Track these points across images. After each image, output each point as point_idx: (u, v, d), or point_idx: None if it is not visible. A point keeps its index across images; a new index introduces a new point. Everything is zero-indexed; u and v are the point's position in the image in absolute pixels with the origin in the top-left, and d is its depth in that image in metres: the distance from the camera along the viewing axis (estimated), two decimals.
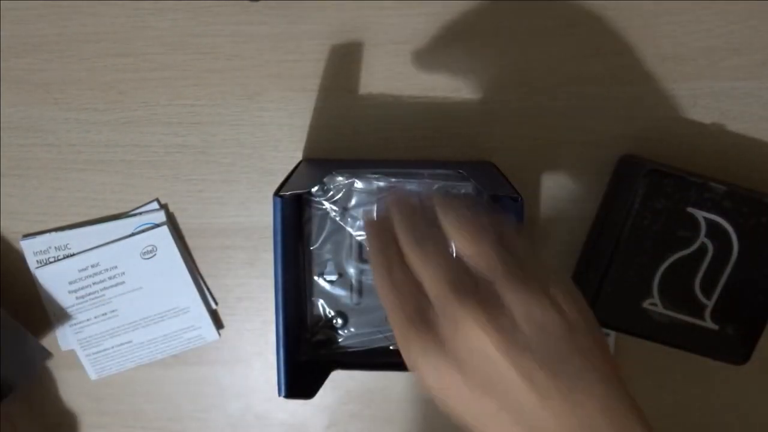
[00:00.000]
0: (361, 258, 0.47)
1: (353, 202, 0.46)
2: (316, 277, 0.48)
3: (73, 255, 0.51)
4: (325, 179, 0.45)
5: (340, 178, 0.46)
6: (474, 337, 0.27)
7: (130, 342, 0.52)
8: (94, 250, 0.51)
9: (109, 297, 0.51)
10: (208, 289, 0.52)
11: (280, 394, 0.43)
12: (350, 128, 0.50)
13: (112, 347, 0.52)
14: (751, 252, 0.43)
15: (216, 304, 0.53)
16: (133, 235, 0.51)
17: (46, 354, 0.52)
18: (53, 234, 0.51)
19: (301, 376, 0.44)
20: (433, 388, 0.28)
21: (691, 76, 0.49)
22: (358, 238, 0.46)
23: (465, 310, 0.27)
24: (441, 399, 0.28)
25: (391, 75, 0.49)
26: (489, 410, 0.27)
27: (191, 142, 0.50)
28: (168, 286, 0.51)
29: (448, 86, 0.49)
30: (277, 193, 0.40)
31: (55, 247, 0.51)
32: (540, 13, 0.48)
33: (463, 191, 0.45)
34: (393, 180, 0.45)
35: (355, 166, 0.49)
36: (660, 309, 0.44)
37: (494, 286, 0.28)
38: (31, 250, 0.51)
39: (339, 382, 0.53)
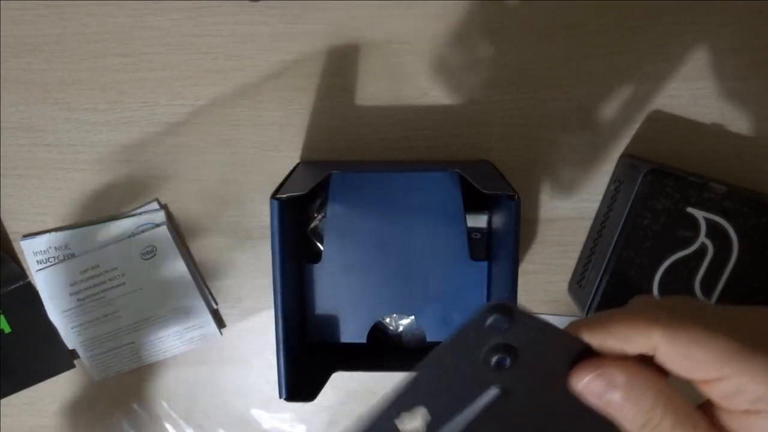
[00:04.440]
0: None
1: None
2: None
3: (73, 256, 0.51)
4: None
5: None
6: None
7: (132, 343, 0.52)
8: (94, 252, 0.51)
9: (110, 298, 0.51)
10: (208, 289, 0.52)
11: (281, 397, 0.43)
12: (349, 128, 0.50)
13: (115, 348, 0.52)
14: (751, 252, 0.43)
15: (216, 304, 0.53)
16: (133, 235, 0.51)
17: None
18: (53, 234, 0.51)
19: (302, 379, 0.44)
20: None
21: (691, 76, 0.49)
22: None
23: None
24: None
25: (391, 75, 0.49)
26: None
27: (191, 142, 0.50)
28: (169, 286, 0.51)
29: (447, 86, 0.49)
30: (274, 196, 0.40)
31: (55, 248, 0.51)
32: (540, 13, 0.48)
33: None
34: None
35: (352, 167, 0.49)
36: None
37: None
38: (31, 250, 0.51)
39: (339, 382, 0.53)
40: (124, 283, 0.51)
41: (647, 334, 0.22)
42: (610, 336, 0.23)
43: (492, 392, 0.25)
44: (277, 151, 0.51)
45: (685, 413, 0.23)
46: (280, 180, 0.44)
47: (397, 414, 0.25)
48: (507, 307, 0.24)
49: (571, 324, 0.24)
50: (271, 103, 0.50)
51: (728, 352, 0.21)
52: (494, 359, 0.24)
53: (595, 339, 0.23)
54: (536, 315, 0.24)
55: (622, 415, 0.23)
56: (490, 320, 0.24)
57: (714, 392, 0.22)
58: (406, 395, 0.25)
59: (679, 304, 0.24)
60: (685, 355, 0.22)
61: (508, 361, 0.24)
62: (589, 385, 0.23)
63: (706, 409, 0.23)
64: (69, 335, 0.52)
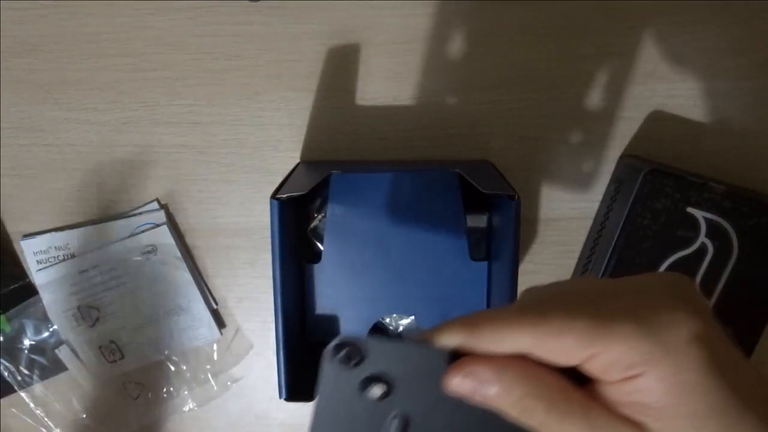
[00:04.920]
0: None
1: None
2: None
3: (73, 256, 0.51)
4: None
5: None
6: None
7: (131, 343, 0.52)
8: (95, 252, 0.51)
9: (110, 298, 0.51)
10: (208, 289, 0.52)
11: (281, 397, 0.43)
12: (349, 128, 0.50)
13: (114, 348, 0.52)
14: (751, 252, 0.43)
15: (216, 304, 0.53)
16: (133, 235, 0.51)
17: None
18: (53, 234, 0.51)
19: (301, 378, 0.44)
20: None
21: (691, 76, 0.49)
22: None
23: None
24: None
25: (391, 75, 0.49)
26: None
27: (191, 142, 0.50)
28: (168, 286, 0.51)
29: (447, 86, 0.49)
30: (274, 196, 0.40)
31: (55, 247, 0.51)
32: (540, 13, 0.48)
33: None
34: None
35: (352, 167, 0.49)
36: None
37: None
38: (31, 250, 0.51)
39: None
40: (124, 283, 0.51)
41: (515, 338, 0.23)
42: (481, 340, 0.23)
43: (394, 423, 0.24)
44: (277, 151, 0.51)
45: (559, 395, 0.23)
46: (280, 180, 0.44)
47: None
48: (349, 342, 0.24)
49: (445, 324, 0.24)
50: (271, 103, 0.50)
51: (590, 332, 0.22)
52: (372, 393, 0.24)
53: (467, 342, 0.23)
54: (382, 336, 0.24)
55: (500, 407, 0.23)
56: (341, 359, 0.23)
57: (593, 370, 0.23)
58: None
59: (543, 295, 0.25)
60: (554, 348, 0.22)
61: (385, 390, 0.24)
62: (460, 387, 0.23)
63: (590, 386, 0.24)
64: (69, 336, 0.52)
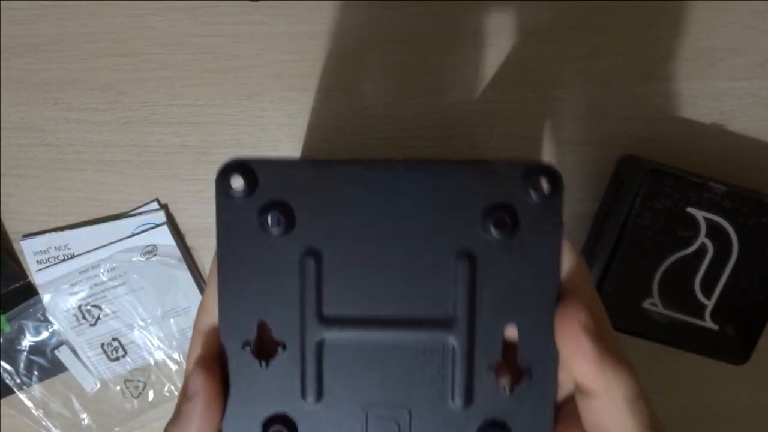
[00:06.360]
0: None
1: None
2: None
3: (73, 256, 0.51)
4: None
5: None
6: None
7: (132, 343, 0.52)
8: (94, 252, 0.51)
9: (110, 298, 0.51)
10: None
11: None
12: (350, 128, 0.50)
13: (114, 348, 0.52)
14: (751, 252, 0.43)
15: None
16: (133, 235, 0.51)
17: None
18: (53, 234, 0.51)
19: None
20: None
21: (691, 76, 0.49)
22: None
23: None
24: None
25: (391, 75, 0.49)
26: None
27: (191, 142, 0.50)
28: (169, 286, 0.51)
29: (447, 86, 0.49)
30: None
31: (55, 247, 0.51)
32: (539, 13, 0.48)
33: None
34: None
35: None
36: (660, 309, 0.45)
37: None
38: (30, 250, 0.51)
39: None
40: (124, 283, 0.51)
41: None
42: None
43: (309, 263, 0.21)
44: (277, 151, 0.51)
45: None
46: None
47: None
48: (237, 163, 0.20)
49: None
50: (271, 103, 0.50)
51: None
52: (271, 222, 0.20)
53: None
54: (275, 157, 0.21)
55: None
56: (231, 185, 0.20)
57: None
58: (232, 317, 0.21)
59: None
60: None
61: (285, 219, 0.20)
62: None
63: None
64: (69, 336, 0.52)
